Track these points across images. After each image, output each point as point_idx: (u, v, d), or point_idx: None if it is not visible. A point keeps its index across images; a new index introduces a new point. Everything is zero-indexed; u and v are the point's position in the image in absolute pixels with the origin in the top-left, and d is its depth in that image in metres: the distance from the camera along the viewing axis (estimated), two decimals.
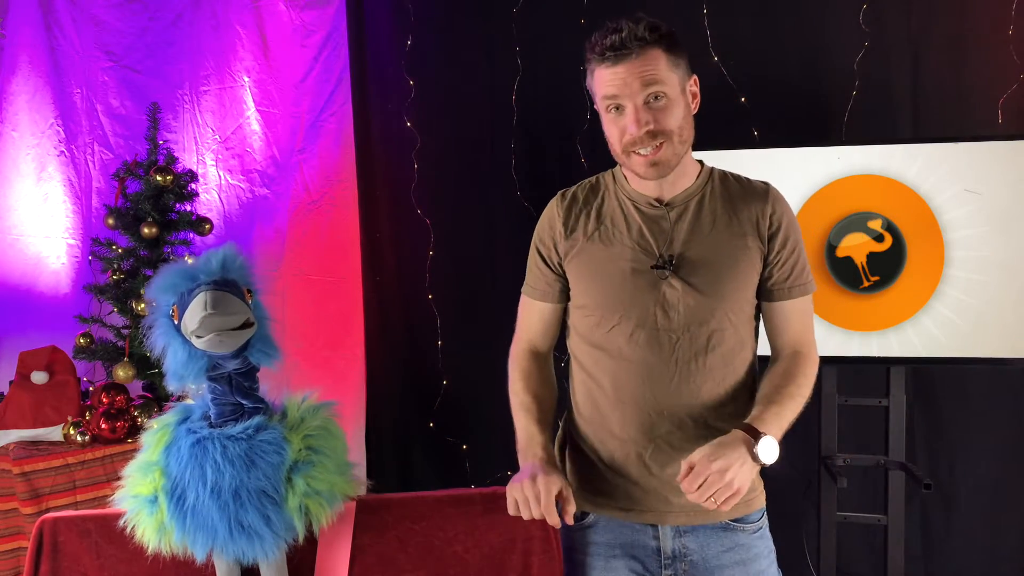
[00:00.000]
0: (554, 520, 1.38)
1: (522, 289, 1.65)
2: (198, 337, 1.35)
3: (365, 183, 3.35)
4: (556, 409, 1.59)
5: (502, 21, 3.17)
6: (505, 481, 1.45)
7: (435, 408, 3.35)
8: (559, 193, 1.62)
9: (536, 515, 1.36)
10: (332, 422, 1.52)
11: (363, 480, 1.62)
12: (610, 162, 1.57)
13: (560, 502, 1.39)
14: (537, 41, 3.16)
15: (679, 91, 1.43)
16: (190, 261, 1.46)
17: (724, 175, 1.56)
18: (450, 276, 3.31)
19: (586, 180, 1.62)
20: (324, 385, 1.60)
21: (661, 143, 1.43)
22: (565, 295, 1.60)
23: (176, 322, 1.39)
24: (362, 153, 3.34)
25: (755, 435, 1.37)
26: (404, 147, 3.30)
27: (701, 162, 1.57)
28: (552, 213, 1.60)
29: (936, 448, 2.91)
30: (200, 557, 1.40)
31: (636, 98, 1.41)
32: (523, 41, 3.17)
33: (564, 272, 1.58)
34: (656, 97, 1.41)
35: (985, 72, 2.78)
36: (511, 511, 1.39)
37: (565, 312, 1.63)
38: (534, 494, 1.36)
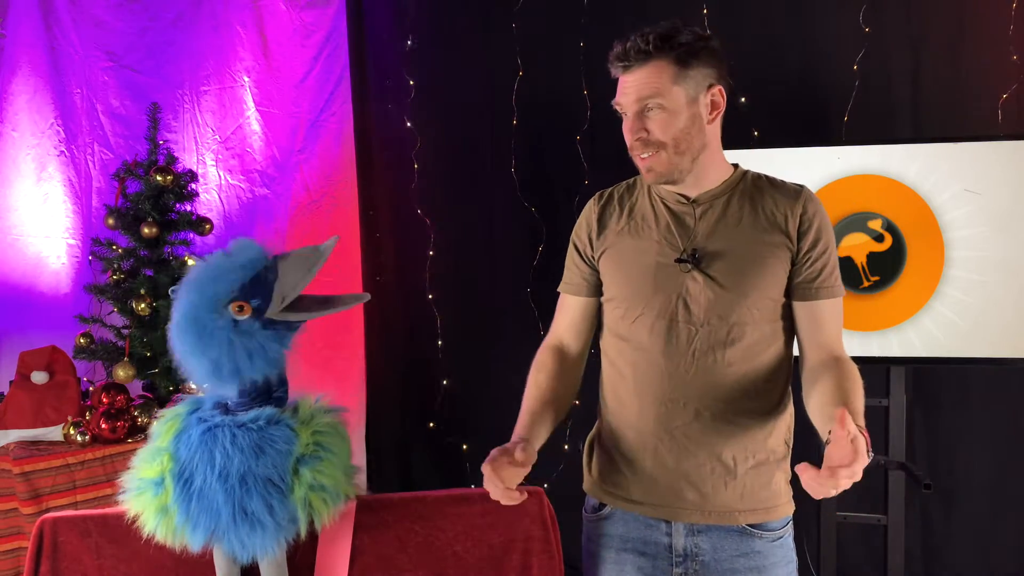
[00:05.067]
0: (508, 500, 1.38)
1: (559, 288, 1.68)
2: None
3: (365, 183, 3.35)
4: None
5: (502, 21, 3.17)
6: None
7: (435, 408, 3.35)
8: (597, 194, 1.67)
9: (496, 497, 1.38)
10: (340, 425, 1.53)
11: (363, 486, 1.63)
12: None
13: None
14: (537, 41, 3.16)
15: (684, 102, 1.45)
16: (224, 256, 1.50)
17: (758, 177, 1.57)
18: (450, 276, 3.31)
19: (624, 181, 1.66)
20: (324, 385, 1.60)
21: (654, 152, 1.47)
22: (598, 290, 1.63)
23: (246, 316, 1.42)
24: (362, 153, 3.34)
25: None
26: (404, 147, 3.30)
27: (736, 165, 1.58)
28: (589, 212, 1.65)
29: (936, 448, 2.91)
30: (199, 543, 1.40)
31: (632, 107, 1.47)
32: (523, 41, 3.17)
33: (598, 268, 1.61)
34: (650, 108, 1.45)
35: (985, 72, 2.78)
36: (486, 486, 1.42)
37: (598, 312, 1.64)
38: (488, 476, 1.39)
